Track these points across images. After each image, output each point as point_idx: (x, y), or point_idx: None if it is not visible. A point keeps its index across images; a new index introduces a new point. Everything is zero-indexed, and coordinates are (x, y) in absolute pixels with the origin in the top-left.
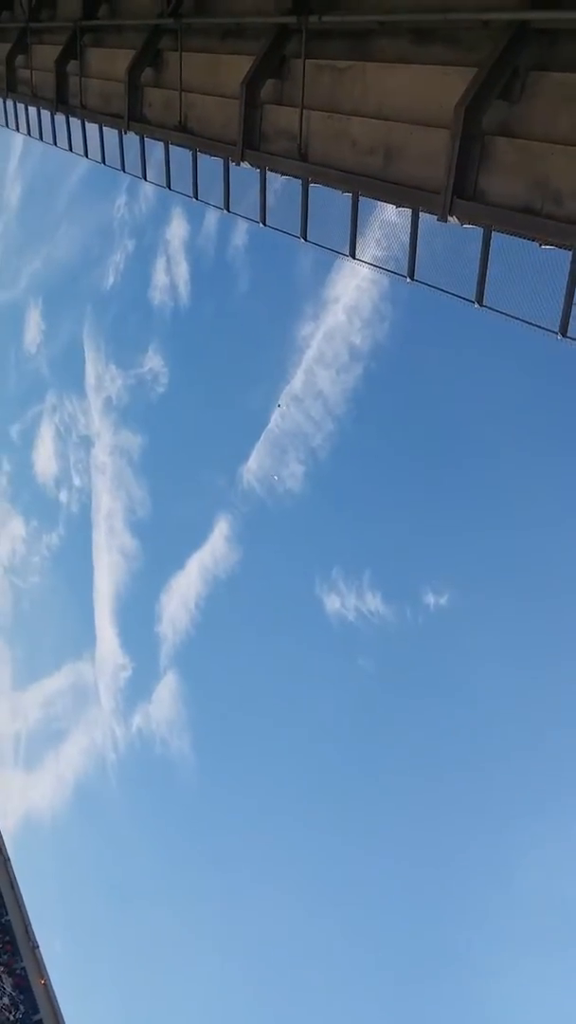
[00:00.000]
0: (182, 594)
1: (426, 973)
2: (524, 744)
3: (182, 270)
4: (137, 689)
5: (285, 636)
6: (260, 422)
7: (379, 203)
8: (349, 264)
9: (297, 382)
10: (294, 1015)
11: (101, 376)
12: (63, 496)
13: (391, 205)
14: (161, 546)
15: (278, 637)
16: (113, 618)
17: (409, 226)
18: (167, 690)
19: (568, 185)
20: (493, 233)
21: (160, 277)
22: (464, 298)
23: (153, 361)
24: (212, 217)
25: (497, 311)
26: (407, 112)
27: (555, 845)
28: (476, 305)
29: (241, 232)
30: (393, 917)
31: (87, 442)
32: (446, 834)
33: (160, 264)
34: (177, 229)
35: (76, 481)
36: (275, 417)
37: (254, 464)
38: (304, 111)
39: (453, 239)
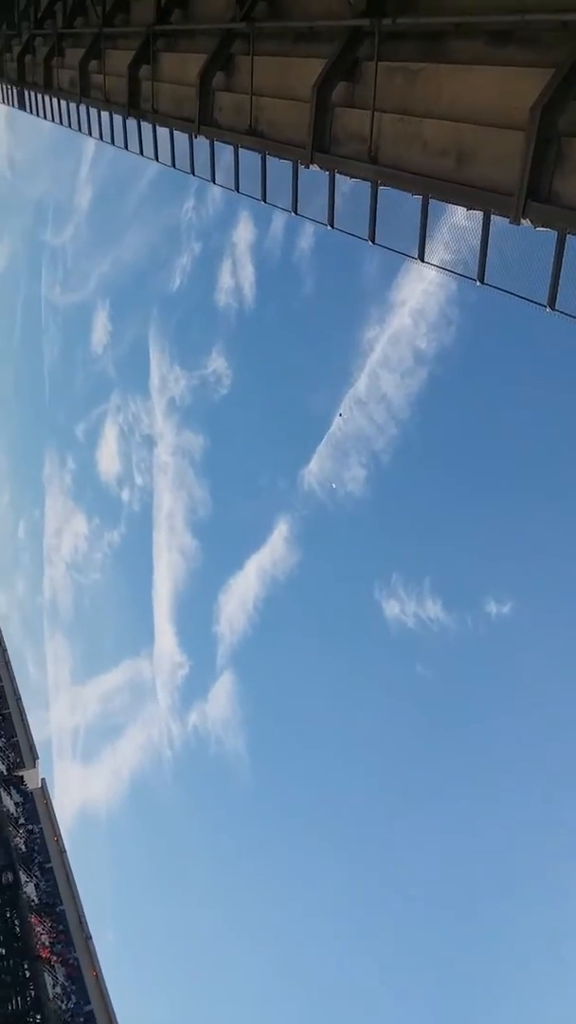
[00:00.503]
0: (240, 595)
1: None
2: None
3: (248, 272)
4: (194, 688)
5: (343, 640)
6: (323, 425)
7: (447, 207)
8: (415, 268)
9: (361, 385)
10: (333, 1007)
11: (165, 377)
12: (125, 495)
13: (460, 209)
14: (220, 547)
15: (336, 641)
16: (171, 617)
17: (478, 230)
18: (223, 690)
19: None
20: (567, 236)
21: (226, 279)
22: (536, 302)
23: (217, 363)
24: (279, 221)
25: (570, 315)
26: (481, 114)
27: None
28: (548, 309)
29: (307, 235)
30: (452, 919)
31: (150, 442)
32: (500, 841)
33: (226, 267)
34: (243, 232)
35: (138, 480)
36: (338, 420)
37: (315, 467)
38: (375, 113)
39: (524, 244)
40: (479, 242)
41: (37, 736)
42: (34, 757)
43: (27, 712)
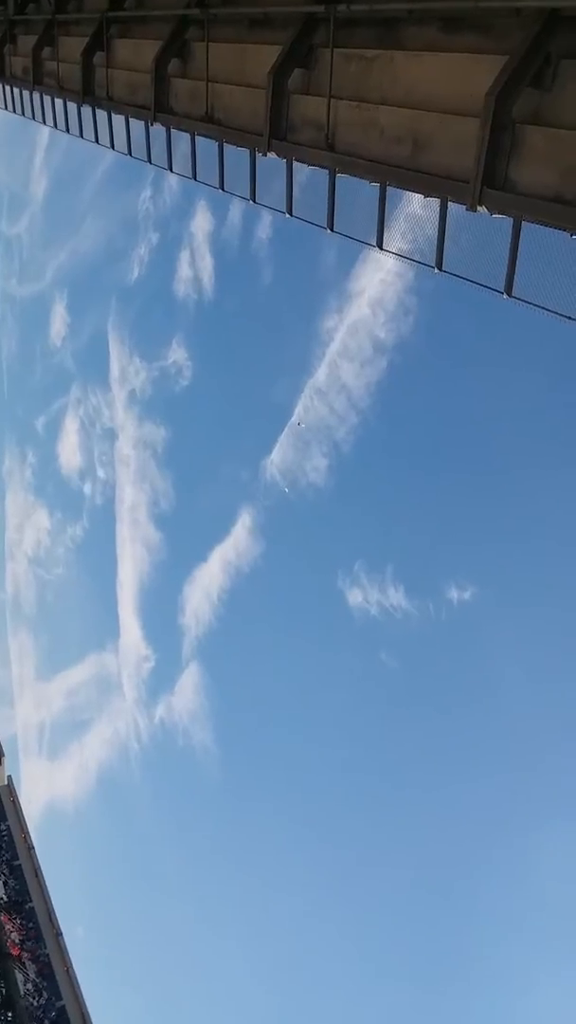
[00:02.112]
0: (205, 586)
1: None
2: (548, 741)
3: (206, 263)
4: (160, 680)
5: (307, 629)
6: (283, 415)
7: (404, 197)
8: (373, 257)
9: (321, 375)
10: (310, 1002)
11: (125, 369)
12: (87, 488)
13: (417, 198)
14: (184, 539)
15: (300, 630)
16: (136, 610)
17: (435, 219)
18: (190, 681)
19: None
20: (523, 223)
21: (184, 270)
22: (493, 288)
23: (177, 354)
24: (236, 210)
25: (526, 302)
26: (436, 101)
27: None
28: (505, 296)
29: (265, 225)
30: (414, 910)
31: (111, 435)
32: (467, 829)
33: (184, 257)
34: (201, 222)
35: (100, 473)
36: (298, 411)
37: (277, 457)
38: (331, 100)
39: (480, 233)
40: (436, 231)
41: (2, 733)
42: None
43: None
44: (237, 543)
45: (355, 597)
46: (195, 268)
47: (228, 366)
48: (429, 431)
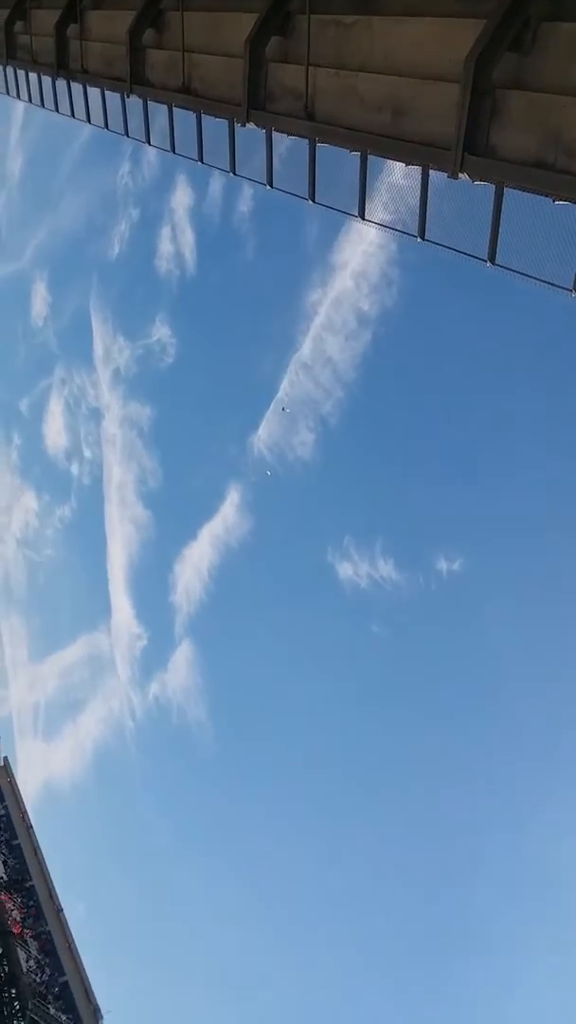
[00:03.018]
0: (195, 564)
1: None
2: (540, 708)
3: (188, 238)
4: (153, 658)
5: (299, 603)
6: (270, 391)
7: (386, 167)
8: (355, 230)
9: (306, 349)
10: (305, 967)
11: (109, 348)
12: (74, 469)
13: (398, 168)
14: (173, 516)
15: (292, 604)
16: (128, 589)
17: (416, 189)
18: (183, 658)
19: None
20: (505, 189)
21: (166, 246)
22: (476, 257)
23: (161, 331)
24: (217, 184)
25: (509, 269)
26: (415, 67)
27: (570, 809)
28: (488, 264)
29: (246, 199)
30: (408, 885)
31: (97, 414)
32: (457, 797)
33: (165, 232)
34: (182, 197)
35: (87, 454)
36: (284, 385)
37: (264, 433)
38: (310, 68)
39: (462, 202)
40: (418, 201)
41: None
42: None
43: None
44: (226, 520)
45: (345, 570)
46: (177, 244)
47: (213, 343)
48: (414, 403)
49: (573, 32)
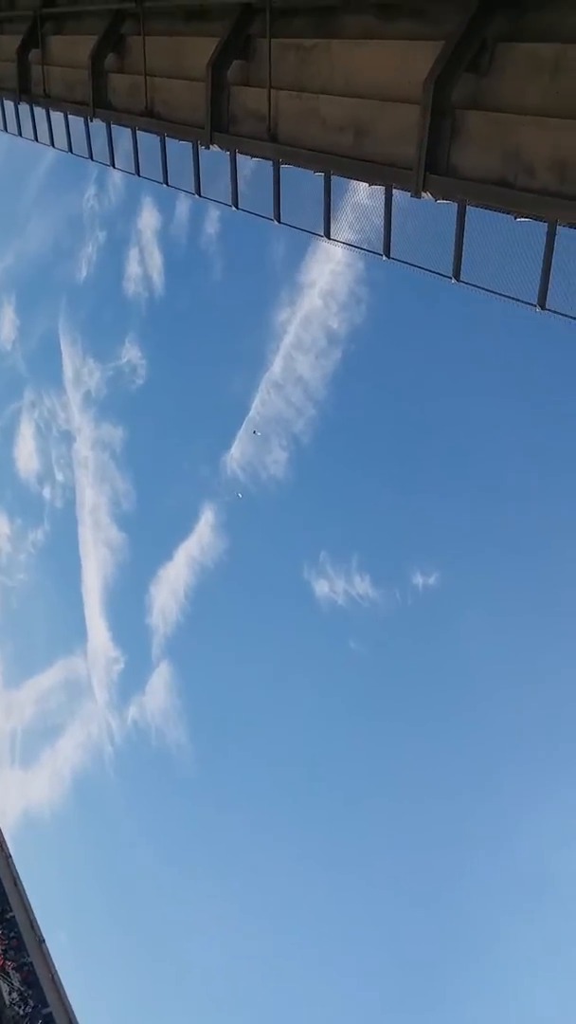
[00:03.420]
0: (171, 585)
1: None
2: (520, 720)
3: (155, 260)
4: (131, 682)
5: (276, 622)
6: (241, 410)
7: (350, 187)
8: (323, 249)
9: (276, 368)
10: (295, 1002)
11: (79, 370)
12: (47, 492)
13: (362, 189)
14: (148, 538)
15: (269, 623)
16: (103, 612)
17: (381, 209)
18: (161, 681)
19: (540, 156)
20: (467, 208)
21: (133, 268)
22: (441, 274)
23: (130, 353)
24: (183, 206)
25: (474, 286)
26: (375, 88)
27: (555, 824)
28: (453, 280)
29: (213, 220)
30: (395, 902)
31: (68, 437)
32: (444, 815)
33: (133, 255)
34: (148, 219)
35: (59, 477)
36: (256, 404)
37: (237, 452)
38: (272, 91)
39: (425, 219)
40: (382, 220)
41: None
42: None
43: None
44: (201, 540)
45: (322, 587)
46: (144, 266)
47: (183, 363)
48: (386, 419)
49: (529, 52)
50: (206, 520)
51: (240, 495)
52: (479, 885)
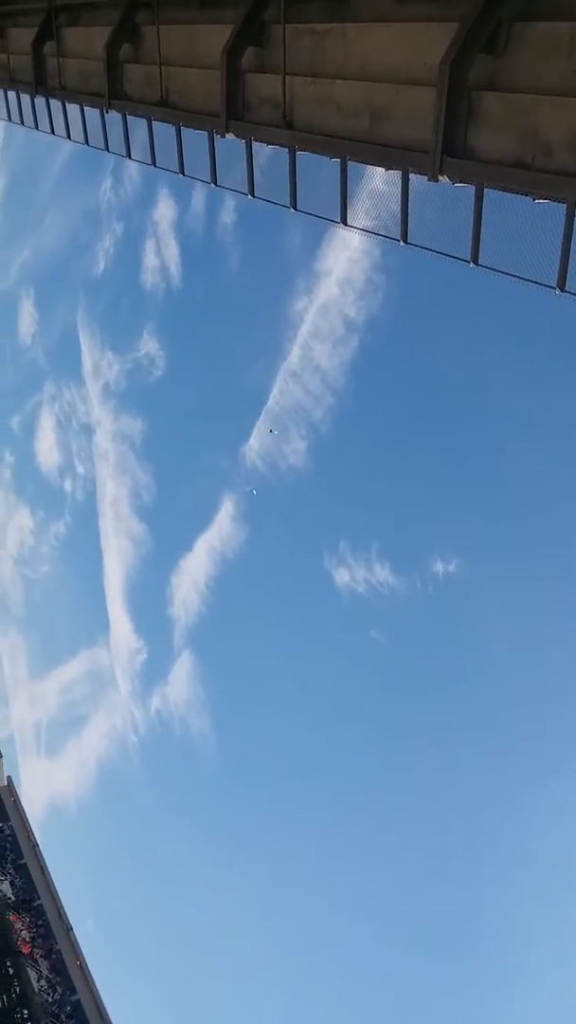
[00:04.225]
0: (192, 575)
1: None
2: (539, 708)
3: (172, 251)
4: (153, 672)
5: (296, 611)
6: (259, 400)
7: (366, 174)
8: (339, 237)
9: (294, 357)
10: (316, 981)
11: (98, 363)
12: (68, 485)
13: (378, 175)
14: (168, 529)
15: (290, 612)
16: (125, 603)
17: (397, 195)
18: (183, 671)
19: (558, 136)
20: (485, 190)
21: (151, 259)
22: (459, 258)
23: (149, 345)
24: (199, 196)
25: (493, 269)
26: (391, 72)
27: (570, 813)
28: (471, 264)
29: (229, 210)
30: (415, 888)
31: (88, 430)
32: (460, 798)
33: (150, 246)
34: (164, 210)
35: (80, 469)
36: (274, 394)
37: (255, 443)
38: (286, 77)
39: (442, 204)
40: (399, 205)
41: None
42: None
43: None
44: (221, 530)
45: (342, 576)
46: (161, 257)
47: (201, 354)
48: (404, 406)
49: (545, 32)
50: (226, 510)
51: (254, 491)
52: (497, 872)
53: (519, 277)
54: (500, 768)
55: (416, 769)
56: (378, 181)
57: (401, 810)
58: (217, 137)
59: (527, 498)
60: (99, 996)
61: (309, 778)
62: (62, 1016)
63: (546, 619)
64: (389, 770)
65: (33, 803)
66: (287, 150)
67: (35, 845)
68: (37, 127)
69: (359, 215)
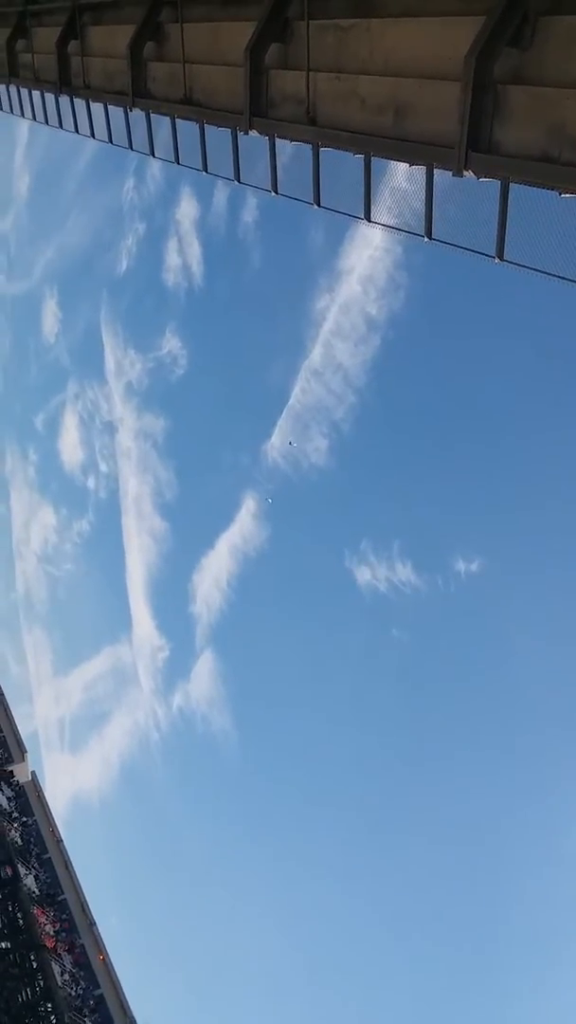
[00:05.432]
0: (214, 573)
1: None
2: (562, 709)
3: (194, 250)
4: (175, 669)
5: (318, 609)
6: (282, 398)
7: (388, 171)
8: (361, 235)
9: (316, 356)
10: (341, 980)
11: (120, 361)
12: (91, 483)
13: (401, 171)
14: (191, 527)
15: (311, 610)
16: (148, 600)
17: (420, 192)
18: (205, 668)
19: None
20: (511, 185)
21: (173, 258)
22: (484, 254)
23: (171, 343)
24: (221, 195)
25: (518, 264)
26: (415, 67)
27: None
28: (496, 260)
29: (251, 208)
30: (437, 884)
31: (111, 428)
32: (481, 798)
33: (172, 245)
34: (187, 209)
35: (103, 467)
36: (296, 392)
37: (277, 441)
38: (310, 74)
39: (467, 201)
40: (422, 203)
41: (23, 730)
42: (22, 751)
43: (11, 707)
44: (243, 528)
45: (363, 575)
46: (183, 256)
47: (223, 352)
48: (426, 405)
49: (572, 25)
50: (247, 508)
51: (270, 500)
52: (520, 875)
53: (545, 272)
54: (522, 767)
55: (438, 768)
56: (401, 179)
57: (420, 808)
58: (240, 134)
59: (550, 497)
60: (122, 990)
61: (331, 775)
62: (85, 1010)
63: (569, 618)
64: (409, 768)
65: (57, 798)
66: (310, 147)
67: (59, 840)
68: (61, 126)
69: (382, 213)
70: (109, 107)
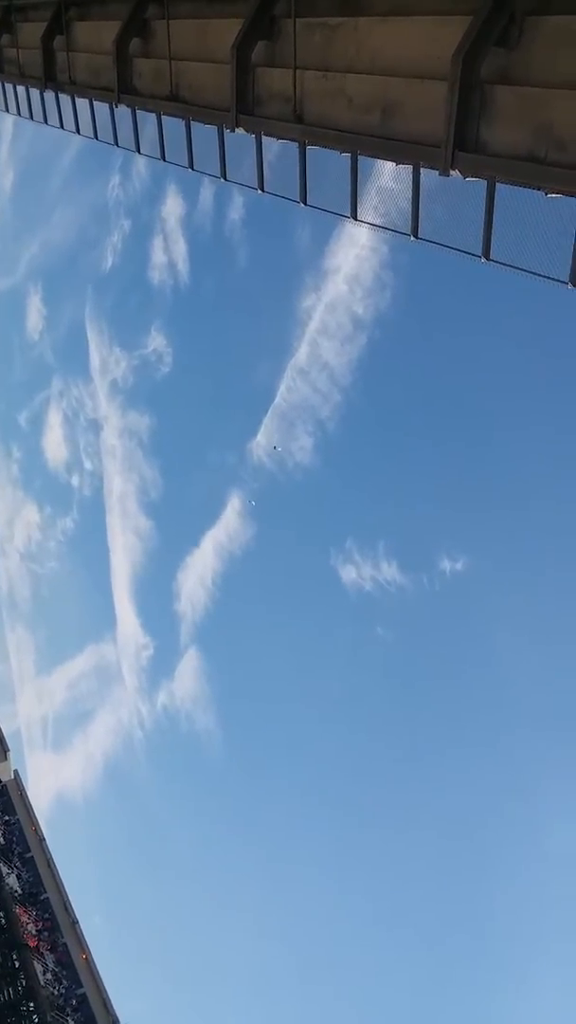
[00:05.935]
0: (199, 572)
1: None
2: (545, 703)
3: (180, 248)
4: (159, 667)
5: (303, 608)
6: (267, 397)
7: (375, 170)
8: (347, 234)
9: (302, 355)
10: (323, 971)
11: (105, 359)
12: (75, 481)
13: (388, 171)
14: (175, 525)
15: (296, 609)
16: (132, 598)
17: (407, 192)
18: (189, 667)
19: (571, 130)
20: (497, 185)
21: (158, 256)
22: (470, 253)
23: (156, 341)
24: (207, 193)
25: (504, 264)
26: (402, 66)
27: None
28: (483, 259)
29: (237, 206)
30: (421, 883)
31: (95, 426)
32: (465, 796)
33: (158, 243)
34: (173, 206)
35: (87, 465)
36: (282, 391)
37: (263, 439)
38: (297, 72)
39: (453, 202)
40: (408, 202)
41: (6, 728)
42: (5, 750)
43: None
44: (228, 527)
45: (348, 573)
46: (169, 253)
47: (208, 351)
48: (412, 404)
49: (558, 25)
50: (233, 507)
51: (253, 503)
52: (501, 870)
53: (531, 272)
54: (505, 765)
55: (422, 766)
56: (387, 178)
57: (406, 806)
58: (227, 132)
59: (535, 496)
60: (104, 989)
61: (315, 774)
62: (68, 1009)
63: (553, 617)
64: (395, 767)
65: (40, 797)
66: (297, 145)
67: (41, 839)
68: (46, 122)
69: (368, 212)
70: (95, 103)
